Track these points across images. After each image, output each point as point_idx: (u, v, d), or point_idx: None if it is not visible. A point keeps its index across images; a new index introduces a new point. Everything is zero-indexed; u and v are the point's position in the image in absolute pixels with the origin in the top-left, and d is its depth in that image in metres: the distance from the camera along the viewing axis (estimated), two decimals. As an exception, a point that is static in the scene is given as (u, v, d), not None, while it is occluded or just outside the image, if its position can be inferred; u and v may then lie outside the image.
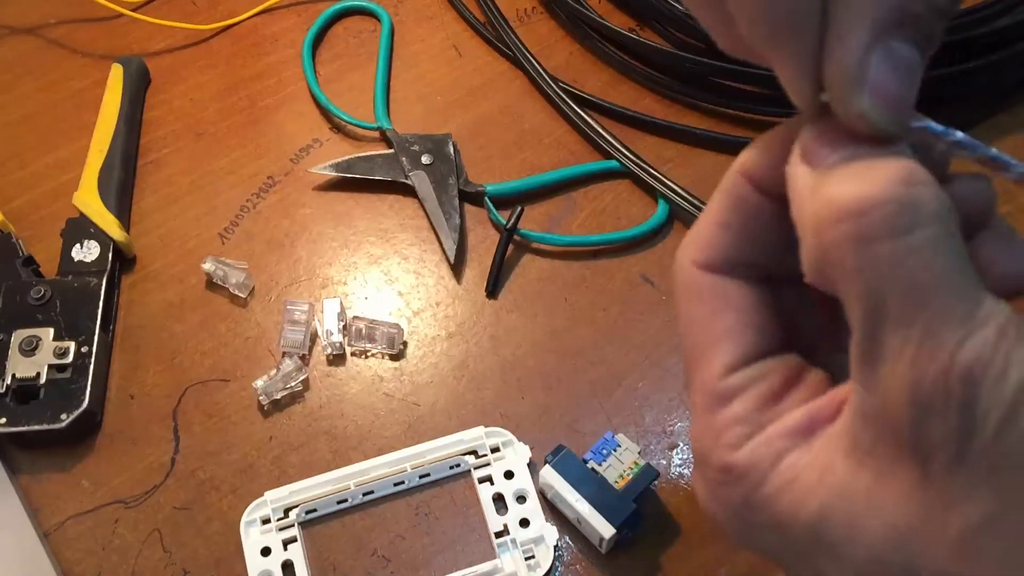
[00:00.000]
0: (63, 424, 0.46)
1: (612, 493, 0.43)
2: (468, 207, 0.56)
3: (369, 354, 0.50)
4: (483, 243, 0.54)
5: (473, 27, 0.63)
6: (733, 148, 0.58)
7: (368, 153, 0.57)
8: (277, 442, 0.48)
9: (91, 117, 0.58)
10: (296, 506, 0.45)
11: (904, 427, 0.19)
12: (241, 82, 0.61)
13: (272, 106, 0.60)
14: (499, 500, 0.45)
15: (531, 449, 0.46)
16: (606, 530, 0.42)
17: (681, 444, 0.47)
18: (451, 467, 0.46)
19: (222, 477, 0.47)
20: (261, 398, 0.48)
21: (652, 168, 0.55)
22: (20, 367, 0.47)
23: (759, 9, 0.20)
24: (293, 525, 0.45)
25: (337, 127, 0.59)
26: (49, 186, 0.57)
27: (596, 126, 0.57)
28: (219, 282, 0.52)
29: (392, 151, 0.57)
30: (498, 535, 0.44)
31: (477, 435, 0.47)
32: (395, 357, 0.50)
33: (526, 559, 0.44)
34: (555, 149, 0.58)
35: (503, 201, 0.55)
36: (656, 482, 0.44)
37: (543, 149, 0.58)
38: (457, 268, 0.53)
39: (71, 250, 0.52)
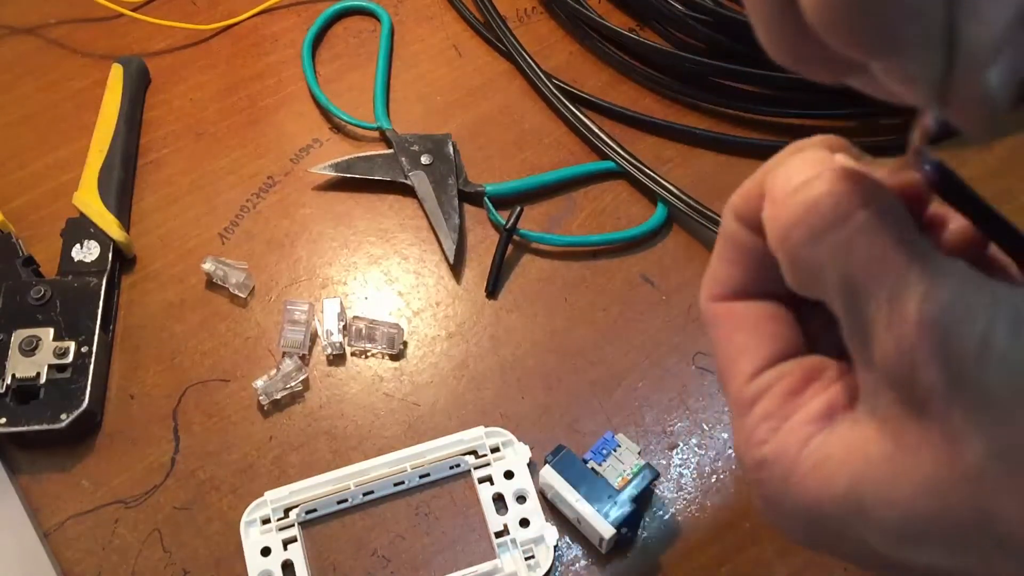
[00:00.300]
0: (63, 424, 0.46)
1: (612, 493, 0.43)
2: (468, 207, 0.56)
3: (369, 354, 0.50)
4: (483, 243, 0.54)
5: (473, 27, 0.63)
6: (733, 148, 0.58)
7: (368, 153, 0.57)
8: (277, 442, 0.48)
9: (91, 117, 0.58)
10: (296, 506, 0.45)
11: (902, 387, 0.21)
12: (241, 82, 0.61)
13: (272, 106, 0.60)
14: (499, 500, 0.45)
15: (531, 449, 0.46)
16: (606, 530, 0.42)
17: (681, 444, 0.47)
18: (451, 467, 0.46)
19: (222, 477, 0.47)
20: (261, 398, 0.48)
21: (649, 169, 0.55)
22: (20, 367, 0.47)
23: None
24: (293, 525, 0.45)
25: (337, 127, 0.59)
26: (49, 186, 0.57)
27: (593, 127, 0.57)
28: (219, 282, 0.52)
29: (392, 151, 0.57)
30: (498, 535, 0.44)
31: (477, 435, 0.47)
32: (395, 357, 0.50)
33: (526, 559, 0.44)
34: (555, 149, 0.58)
35: (503, 201, 0.55)
36: (656, 482, 0.44)
37: (543, 149, 0.58)
38: (456, 268, 0.53)
39: (71, 250, 0.52)
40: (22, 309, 0.49)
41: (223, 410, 0.49)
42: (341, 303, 0.51)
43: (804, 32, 0.21)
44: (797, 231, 0.22)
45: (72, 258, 0.51)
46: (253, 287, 0.53)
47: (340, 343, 0.50)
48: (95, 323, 0.49)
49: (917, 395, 0.20)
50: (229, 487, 0.47)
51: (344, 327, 0.50)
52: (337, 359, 0.50)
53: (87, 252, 0.52)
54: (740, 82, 0.58)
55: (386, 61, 0.62)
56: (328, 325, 0.50)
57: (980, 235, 0.24)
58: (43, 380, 0.47)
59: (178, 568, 0.44)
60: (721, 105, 0.59)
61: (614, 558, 0.44)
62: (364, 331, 0.50)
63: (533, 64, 0.60)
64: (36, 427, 0.46)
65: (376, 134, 0.59)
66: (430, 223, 0.54)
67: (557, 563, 0.44)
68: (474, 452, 0.46)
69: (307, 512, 0.45)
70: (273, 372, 0.49)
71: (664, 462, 0.47)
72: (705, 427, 0.48)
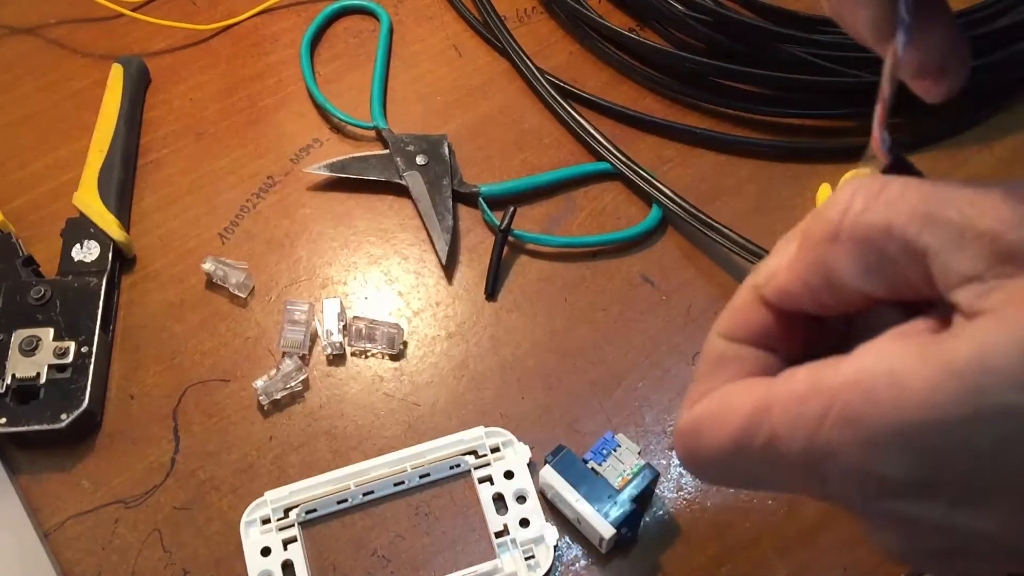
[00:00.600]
0: (63, 424, 0.46)
1: (612, 493, 0.43)
2: (467, 208, 0.56)
3: (369, 354, 0.50)
4: (483, 243, 0.54)
5: (473, 27, 0.64)
6: (733, 148, 0.58)
7: (363, 153, 0.57)
8: (277, 442, 0.48)
9: (91, 117, 0.58)
10: (296, 506, 0.45)
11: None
12: (241, 82, 0.61)
13: (272, 106, 0.60)
14: (499, 500, 0.45)
15: (531, 449, 0.46)
16: (606, 530, 0.42)
17: (681, 444, 0.47)
18: (451, 467, 0.46)
19: (222, 477, 0.47)
20: (261, 398, 0.48)
21: (643, 170, 0.55)
22: (20, 367, 0.47)
23: None
24: (293, 525, 0.45)
25: (337, 127, 0.59)
26: (49, 186, 0.57)
27: (589, 127, 0.57)
28: (219, 282, 0.52)
29: (387, 151, 0.57)
30: (498, 535, 0.44)
31: (477, 435, 0.47)
32: (395, 357, 0.50)
33: (526, 559, 0.44)
34: (555, 149, 0.58)
35: (498, 202, 0.55)
36: (656, 482, 0.44)
37: (543, 149, 0.58)
38: (449, 269, 0.53)
39: (71, 250, 0.52)
40: (22, 309, 0.49)
41: (223, 410, 0.49)
42: (341, 303, 0.51)
43: None
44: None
45: (72, 258, 0.51)
46: (253, 287, 0.53)
47: (340, 343, 0.50)
48: (95, 323, 0.49)
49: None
50: (229, 487, 0.47)
51: (344, 327, 0.50)
52: (337, 359, 0.50)
53: (87, 252, 0.52)
54: (740, 82, 0.58)
55: (384, 61, 0.62)
56: (328, 325, 0.50)
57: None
58: (43, 380, 0.47)
59: (178, 568, 0.44)
60: (721, 105, 0.59)
61: (614, 558, 0.44)
62: (364, 331, 0.50)
63: (530, 64, 0.60)
64: (36, 427, 0.46)
65: (374, 134, 0.59)
66: (423, 223, 0.54)
67: (557, 563, 0.44)
68: (474, 452, 0.46)
69: (307, 512, 0.45)
70: (273, 372, 0.49)
71: (664, 462, 0.47)
72: (705, 427, 0.48)
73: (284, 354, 0.49)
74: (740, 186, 0.56)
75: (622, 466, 0.44)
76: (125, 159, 0.56)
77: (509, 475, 0.46)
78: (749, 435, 0.23)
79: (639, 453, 0.45)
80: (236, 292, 0.52)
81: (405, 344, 0.51)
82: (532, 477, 0.46)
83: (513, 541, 0.44)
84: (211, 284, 0.53)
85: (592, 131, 0.57)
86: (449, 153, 0.57)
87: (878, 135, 0.25)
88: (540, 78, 0.59)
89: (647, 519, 0.45)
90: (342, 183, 0.56)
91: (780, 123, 0.58)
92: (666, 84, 0.60)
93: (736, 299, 0.27)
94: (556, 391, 0.49)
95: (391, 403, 0.49)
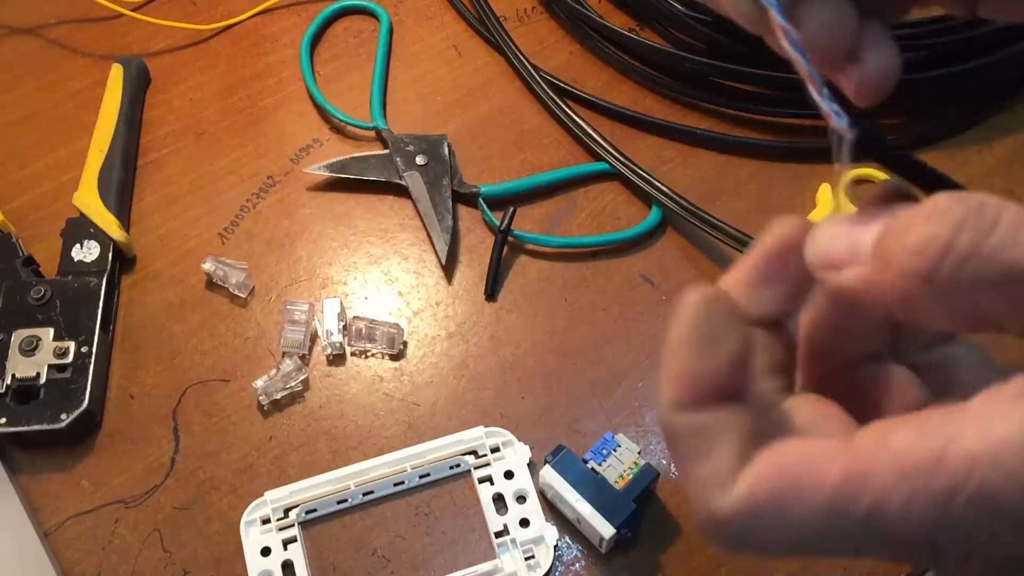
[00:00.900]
0: (63, 424, 0.46)
1: (612, 493, 0.43)
2: (467, 209, 0.56)
3: (369, 354, 0.50)
4: (483, 243, 0.54)
5: (473, 27, 0.63)
6: (733, 148, 0.58)
7: (363, 153, 0.57)
8: (277, 442, 0.48)
9: (91, 117, 0.58)
10: (296, 506, 0.45)
11: None
12: (241, 82, 0.61)
13: (272, 106, 0.60)
14: (499, 500, 0.45)
15: (531, 449, 0.46)
16: (606, 530, 0.42)
17: (681, 444, 0.47)
18: (451, 467, 0.46)
19: (222, 477, 0.47)
20: (261, 398, 0.48)
21: (642, 170, 0.55)
22: (20, 367, 0.47)
23: None
24: (293, 525, 0.45)
25: (337, 127, 0.59)
26: (49, 186, 0.57)
27: (586, 127, 0.57)
28: (219, 282, 0.52)
29: (387, 151, 0.57)
30: (498, 535, 0.44)
31: (477, 435, 0.47)
32: (395, 357, 0.50)
33: (526, 559, 0.44)
34: (555, 149, 0.58)
35: (498, 202, 0.55)
36: (656, 482, 0.44)
37: (543, 149, 0.58)
38: (449, 269, 0.53)
39: (71, 250, 0.52)
40: (22, 309, 0.49)
41: (223, 410, 0.49)
42: (341, 303, 0.51)
43: None
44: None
45: (72, 258, 0.51)
46: (253, 287, 0.53)
47: (340, 343, 0.50)
48: (95, 323, 0.49)
49: None
50: (229, 487, 0.47)
51: (344, 327, 0.50)
52: (337, 359, 0.50)
53: (87, 252, 0.52)
54: (740, 82, 0.58)
55: (384, 61, 0.62)
56: (328, 325, 0.50)
57: None
58: (43, 380, 0.47)
59: (178, 568, 0.44)
60: (721, 105, 0.59)
61: (614, 558, 0.44)
62: (364, 331, 0.50)
63: (527, 64, 0.60)
64: (36, 427, 0.46)
65: (374, 134, 0.59)
66: (423, 224, 0.54)
67: (557, 563, 0.44)
68: (474, 452, 0.46)
69: (307, 512, 0.45)
70: (273, 372, 0.49)
71: (664, 462, 0.47)
72: (705, 427, 0.48)
73: (284, 354, 0.49)
74: (740, 186, 0.56)
75: (622, 466, 0.44)
76: (125, 159, 0.56)
77: (509, 475, 0.46)
78: (843, 508, 0.21)
79: (639, 453, 0.45)
80: (236, 292, 0.52)
81: (405, 344, 0.51)
82: (532, 477, 0.46)
83: (513, 541, 0.44)
84: (211, 284, 0.53)
85: (590, 131, 0.57)
86: (449, 153, 0.57)
87: (827, 109, 0.23)
88: (537, 78, 0.59)
89: (647, 519, 0.45)
90: (342, 183, 0.56)
91: (780, 123, 0.58)
92: (666, 84, 0.60)
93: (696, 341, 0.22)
94: (556, 391, 0.49)
95: (391, 403, 0.49)
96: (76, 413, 0.46)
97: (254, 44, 0.63)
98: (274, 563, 0.44)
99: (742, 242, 0.51)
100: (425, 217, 0.54)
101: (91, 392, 0.47)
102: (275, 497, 0.45)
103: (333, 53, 0.63)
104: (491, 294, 0.52)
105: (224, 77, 0.62)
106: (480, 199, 0.55)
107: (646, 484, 0.43)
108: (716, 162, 0.57)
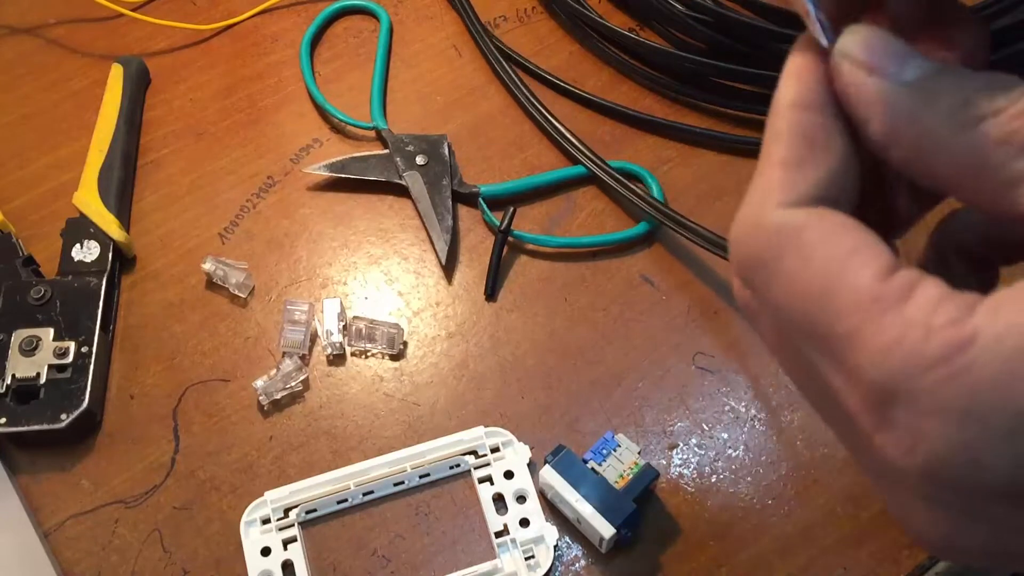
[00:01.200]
0: (63, 424, 0.46)
1: (612, 493, 0.43)
2: (466, 209, 0.56)
3: (369, 354, 0.50)
4: (483, 243, 0.54)
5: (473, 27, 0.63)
6: (733, 148, 0.58)
7: (362, 153, 0.57)
8: (277, 442, 0.48)
9: (91, 117, 0.58)
10: (296, 506, 0.45)
11: None
12: (241, 82, 0.61)
13: (272, 106, 0.60)
14: (499, 500, 0.45)
15: (531, 449, 0.46)
16: (606, 530, 0.42)
17: (681, 444, 0.47)
18: (451, 467, 0.46)
19: (222, 477, 0.47)
20: (261, 398, 0.48)
21: (622, 180, 0.54)
22: (20, 367, 0.47)
23: None
24: (293, 525, 0.45)
25: (337, 127, 0.59)
26: (49, 186, 0.57)
27: (570, 137, 0.56)
28: (219, 282, 0.52)
29: (387, 151, 0.57)
30: (498, 535, 0.44)
31: (477, 435, 0.47)
32: (395, 357, 0.50)
33: (526, 559, 0.44)
34: (555, 149, 0.58)
35: (498, 202, 0.55)
36: (656, 482, 0.45)
37: (543, 149, 0.58)
38: (449, 269, 0.53)
39: (71, 250, 0.52)
40: (22, 309, 0.49)
41: (223, 410, 0.49)
42: (341, 303, 0.51)
43: None
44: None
45: (72, 258, 0.51)
46: (253, 287, 0.53)
47: (340, 343, 0.50)
48: (95, 323, 0.49)
49: None
50: (229, 487, 0.47)
51: (344, 327, 0.50)
52: (337, 359, 0.50)
53: (87, 252, 0.52)
54: (740, 82, 0.58)
55: (384, 61, 0.62)
56: (328, 325, 0.50)
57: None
58: (43, 380, 0.47)
59: (178, 568, 0.44)
60: (721, 105, 0.59)
61: (614, 558, 0.44)
62: (364, 331, 0.50)
63: (509, 71, 0.59)
64: (36, 427, 0.46)
65: (374, 134, 0.59)
66: (423, 224, 0.54)
67: (557, 563, 0.44)
68: (474, 452, 0.46)
69: (307, 512, 0.45)
70: (273, 372, 0.49)
71: (664, 462, 0.47)
72: (705, 427, 0.48)
73: (284, 354, 0.49)
74: (740, 186, 0.56)
75: (622, 466, 0.44)
76: (125, 159, 0.56)
77: (509, 475, 0.46)
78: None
79: (639, 453, 0.45)
80: (236, 292, 0.52)
81: (405, 344, 0.51)
82: (532, 477, 0.46)
83: (513, 541, 0.44)
84: (211, 284, 0.53)
85: (571, 138, 0.56)
86: (449, 153, 0.57)
87: (812, 13, 0.23)
88: (520, 87, 0.59)
89: (647, 519, 0.45)
90: (342, 183, 0.56)
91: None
92: (666, 84, 0.60)
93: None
94: (556, 391, 0.49)
95: (391, 403, 0.49)
96: (76, 413, 0.46)
97: (254, 44, 0.63)
98: (274, 563, 0.44)
99: (726, 249, 0.50)
100: (425, 217, 0.54)
101: (91, 392, 0.47)
102: (275, 497, 0.45)
103: (333, 53, 0.63)
104: (491, 294, 0.52)
105: (224, 77, 0.62)
106: (480, 199, 0.55)
107: (646, 484, 0.43)
108: (716, 162, 0.57)
